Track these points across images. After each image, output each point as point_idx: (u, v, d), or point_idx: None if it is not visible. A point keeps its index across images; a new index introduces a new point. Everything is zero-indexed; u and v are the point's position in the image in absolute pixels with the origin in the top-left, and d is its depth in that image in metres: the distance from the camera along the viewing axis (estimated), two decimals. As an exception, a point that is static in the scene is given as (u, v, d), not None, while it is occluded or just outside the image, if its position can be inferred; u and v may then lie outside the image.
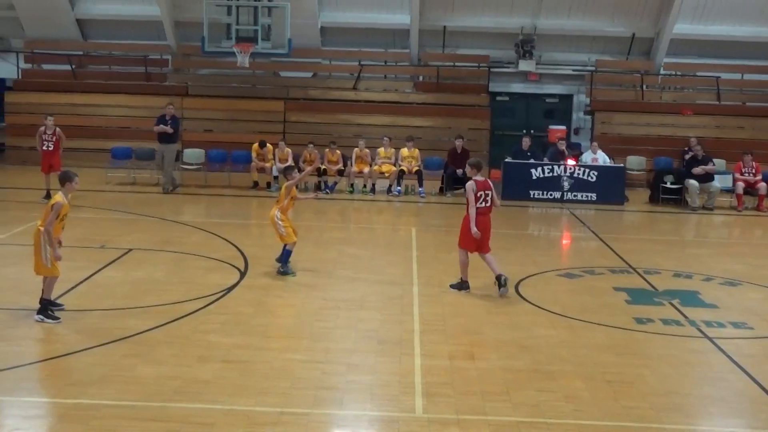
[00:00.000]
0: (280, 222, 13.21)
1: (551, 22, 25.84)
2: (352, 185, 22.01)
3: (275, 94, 26.03)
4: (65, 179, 10.72)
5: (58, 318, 10.64)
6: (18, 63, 26.76)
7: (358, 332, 10.69)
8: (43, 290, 10.72)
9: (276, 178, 21.84)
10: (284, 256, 13.37)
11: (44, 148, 19.32)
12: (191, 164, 22.99)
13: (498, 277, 12.40)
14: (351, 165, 22.07)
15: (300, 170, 21.63)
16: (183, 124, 25.10)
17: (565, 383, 9.09)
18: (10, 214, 18.01)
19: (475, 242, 12.40)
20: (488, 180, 12.77)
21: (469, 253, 12.57)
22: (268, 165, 21.87)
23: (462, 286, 12.66)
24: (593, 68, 26.11)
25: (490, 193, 12.47)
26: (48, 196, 17.37)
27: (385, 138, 22.42)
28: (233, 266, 13.71)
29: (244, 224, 18.04)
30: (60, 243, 10.71)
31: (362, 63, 26.18)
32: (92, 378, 8.81)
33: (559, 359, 9.86)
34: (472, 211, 12.36)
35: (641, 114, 25.65)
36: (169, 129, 21.00)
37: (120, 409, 8.06)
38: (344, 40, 26.42)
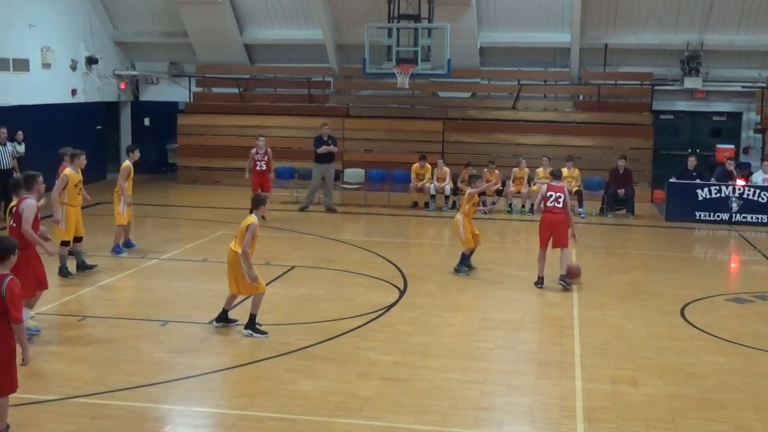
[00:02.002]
0: (461, 227, 14.63)
1: (719, 37, 24.91)
2: (510, 205, 21.88)
3: (434, 114, 26.20)
4: (259, 202, 11.19)
5: (266, 333, 11.04)
6: (190, 87, 28.07)
7: (517, 353, 10.60)
8: (251, 306, 11.16)
9: (434, 197, 21.96)
10: (462, 260, 14.85)
11: (257, 168, 20.17)
12: (351, 183, 23.42)
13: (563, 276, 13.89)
14: (509, 185, 21.95)
15: (459, 190, 21.77)
16: (344, 144, 25.71)
17: (736, 413, 8.71)
18: (181, 230, 18.89)
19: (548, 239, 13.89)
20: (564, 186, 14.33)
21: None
22: (426, 185, 22.03)
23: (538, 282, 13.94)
24: (764, 85, 25.00)
25: (562, 195, 13.95)
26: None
27: (544, 158, 22.17)
28: (392, 285, 13.87)
29: (403, 243, 18.23)
30: None
31: (521, 82, 26.01)
32: (258, 390, 9.11)
33: (728, 387, 9.46)
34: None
35: (817, 132, 24.35)
36: (333, 148, 21.66)
37: (284, 423, 8.29)
38: (503, 60, 26.33)
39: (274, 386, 9.24)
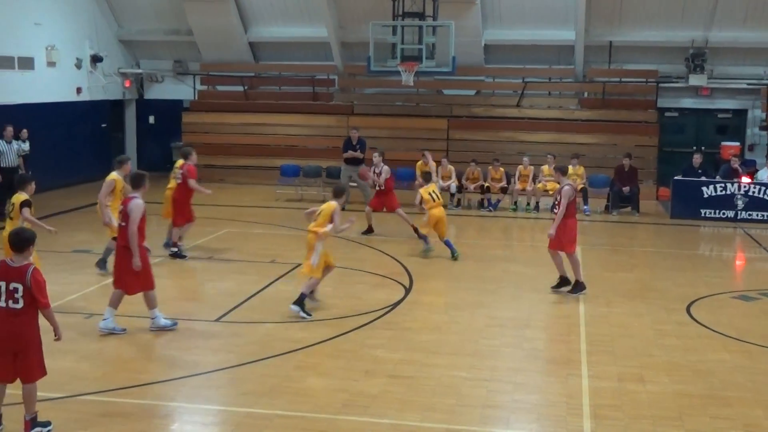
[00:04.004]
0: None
1: (724, 35, 24.86)
2: (515, 203, 21.87)
3: (439, 112, 26.19)
4: (341, 192, 12.45)
5: (311, 314, 11.77)
6: (194, 85, 28.07)
7: (523, 351, 10.61)
8: (305, 286, 12.04)
9: (439, 195, 21.94)
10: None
11: (377, 188, 18.81)
12: (355, 181, 23.39)
13: (563, 278, 13.39)
14: (514, 183, 21.94)
15: (463, 187, 21.77)
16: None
17: (743, 411, 8.71)
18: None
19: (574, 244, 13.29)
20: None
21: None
22: (431, 182, 21.99)
23: (581, 287, 13.20)
24: (769, 82, 24.98)
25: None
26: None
27: (549, 155, 22.17)
28: (398, 282, 13.88)
29: (408, 241, 18.19)
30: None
31: (526, 80, 25.99)
32: (264, 388, 9.13)
33: (735, 385, 9.46)
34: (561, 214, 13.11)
35: (822, 129, 24.29)
36: (359, 154, 21.87)
37: (291, 420, 8.31)
38: (508, 57, 26.29)
39: (281, 384, 9.26)
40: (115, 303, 11.02)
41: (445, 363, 10.02)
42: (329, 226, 11.87)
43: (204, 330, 11.27)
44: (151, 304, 11.14)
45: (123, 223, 10.89)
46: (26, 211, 11.56)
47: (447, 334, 11.22)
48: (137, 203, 10.86)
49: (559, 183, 20.55)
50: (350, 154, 21.89)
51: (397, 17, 21.94)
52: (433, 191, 15.88)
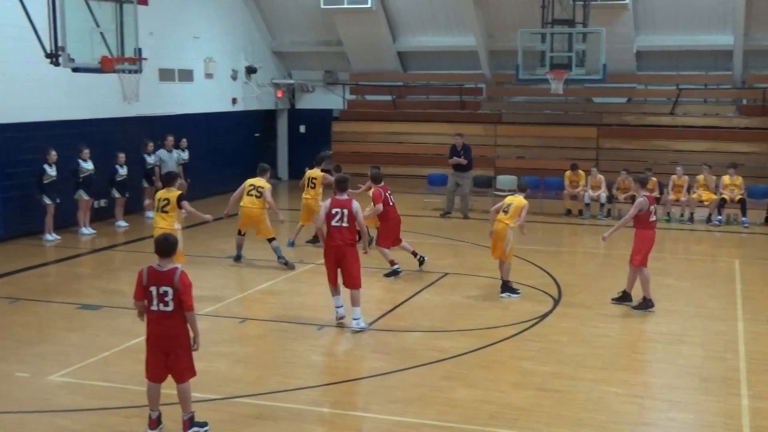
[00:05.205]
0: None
1: None
2: (668, 213, 21.20)
3: (588, 120, 25.72)
4: (526, 186, 13.88)
5: (519, 291, 13.45)
6: (344, 95, 28.59)
7: (678, 367, 10.26)
8: (502, 274, 13.44)
9: (588, 205, 21.53)
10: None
11: None
12: (504, 191, 23.23)
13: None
14: (667, 193, 21.28)
15: (614, 197, 21.28)
16: (496, 151, 25.61)
17: None
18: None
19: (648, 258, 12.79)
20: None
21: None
22: (581, 192, 21.63)
23: (648, 304, 12.67)
24: None
25: (654, 208, 12.80)
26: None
27: (704, 165, 21.41)
28: (546, 293, 13.70)
29: (556, 252, 17.95)
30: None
31: (680, 87, 25.18)
32: (413, 397, 9.17)
33: None
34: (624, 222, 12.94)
35: None
36: (462, 161, 21.81)
37: (440, 430, 8.31)
38: (661, 64, 25.57)
39: (429, 393, 9.27)
40: (358, 301, 11.68)
41: (596, 377, 9.81)
42: (518, 220, 13.10)
43: (353, 337, 11.43)
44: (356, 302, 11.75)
45: (347, 224, 11.59)
46: (187, 204, 12.90)
47: (597, 348, 10.98)
48: (357, 204, 11.79)
49: (714, 194, 19.97)
50: (455, 160, 21.90)
51: (546, 25, 21.68)
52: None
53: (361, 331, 11.49)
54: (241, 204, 15.42)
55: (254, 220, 15.32)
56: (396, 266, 14.84)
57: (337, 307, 11.78)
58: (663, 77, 25.69)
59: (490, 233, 13.49)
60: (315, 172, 17.28)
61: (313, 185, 17.11)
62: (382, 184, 15.15)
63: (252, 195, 15.32)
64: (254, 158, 26.68)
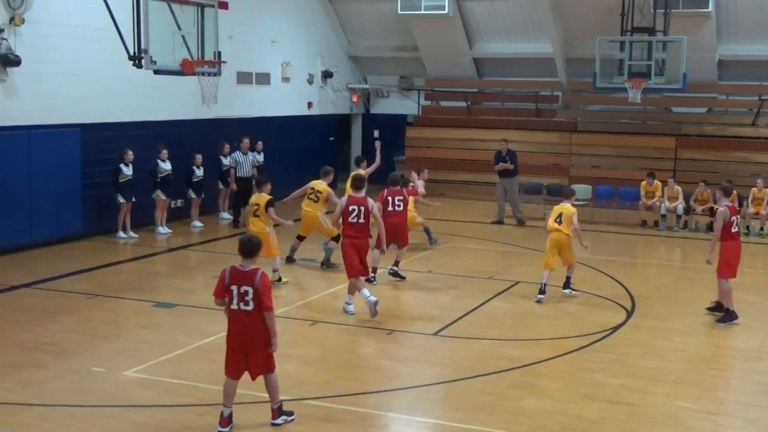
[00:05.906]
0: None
1: None
2: (747, 227, 20.69)
3: (666, 130, 25.28)
4: (570, 194, 14.24)
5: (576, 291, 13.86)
6: (419, 100, 28.63)
7: (755, 385, 10.01)
8: (568, 270, 13.92)
9: (664, 216, 21.15)
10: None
11: None
12: (578, 200, 22.96)
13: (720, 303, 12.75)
14: (747, 206, 20.77)
15: (691, 209, 20.87)
16: (570, 159, 25.34)
17: None
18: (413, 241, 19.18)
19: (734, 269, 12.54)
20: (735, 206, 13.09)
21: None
22: (657, 203, 21.26)
23: (731, 317, 12.45)
24: None
25: (736, 218, 12.50)
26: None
27: (786, 178, 20.88)
28: (619, 305, 13.49)
29: (630, 263, 17.68)
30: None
31: (762, 98, 24.59)
32: (480, 405, 9.12)
33: None
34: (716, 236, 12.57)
35: None
36: (509, 165, 21.65)
37: (507, 439, 8.24)
38: (743, 74, 25.01)
39: (497, 402, 9.21)
40: (355, 291, 12.41)
41: (669, 392, 9.62)
42: (572, 227, 13.43)
43: (422, 343, 11.42)
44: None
45: (362, 220, 12.38)
46: (272, 210, 13.79)
47: (671, 362, 10.76)
48: (372, 201, 12.60)
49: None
50: (501, 166, 21.66)
51: (625, 32, 21.43)
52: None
53: (347, 313, 12.37)
54: (302, 206, 15.66)
55: (312, 223, 15.57)
56: (372, 276, 14.20)
57: (367, 297, 12.16)
58: (745, 87, 25.13)
59: (549, 246, 13.68)
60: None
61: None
62: (398, 188, 15.00)
63: (311, 198, 15.47)
64: (328, 162, 26.81)
